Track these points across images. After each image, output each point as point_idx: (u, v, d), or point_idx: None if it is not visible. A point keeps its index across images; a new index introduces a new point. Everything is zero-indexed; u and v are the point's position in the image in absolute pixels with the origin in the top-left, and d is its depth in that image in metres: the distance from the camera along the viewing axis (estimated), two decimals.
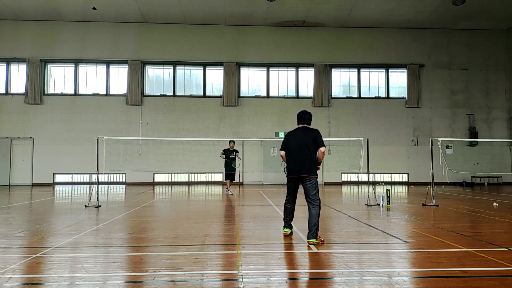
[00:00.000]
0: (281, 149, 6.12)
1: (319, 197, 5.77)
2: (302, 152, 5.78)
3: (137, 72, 20.60)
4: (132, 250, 5.30)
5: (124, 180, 20.56)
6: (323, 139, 6.00)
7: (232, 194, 14.20)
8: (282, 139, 6.19)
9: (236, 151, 14.63)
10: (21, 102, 20.31)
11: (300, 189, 5.98)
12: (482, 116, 21.65)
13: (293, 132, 6.06)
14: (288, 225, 6.12)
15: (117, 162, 17.54)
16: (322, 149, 5.81)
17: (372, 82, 21.83)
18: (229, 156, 14.46)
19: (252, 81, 21.56)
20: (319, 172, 5.96)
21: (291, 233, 6.12)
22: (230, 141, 14.73)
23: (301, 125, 6.08)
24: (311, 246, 5.36)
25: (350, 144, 17.54)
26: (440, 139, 11.75)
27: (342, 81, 21.89)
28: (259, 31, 21.22)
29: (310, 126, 6.11)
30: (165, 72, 21.50)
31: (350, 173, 20.69)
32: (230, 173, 14.42)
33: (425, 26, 21.26)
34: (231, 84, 20.80)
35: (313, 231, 5.53)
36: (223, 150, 14.64)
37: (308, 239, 5.55)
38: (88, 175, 20.20)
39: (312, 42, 21.36)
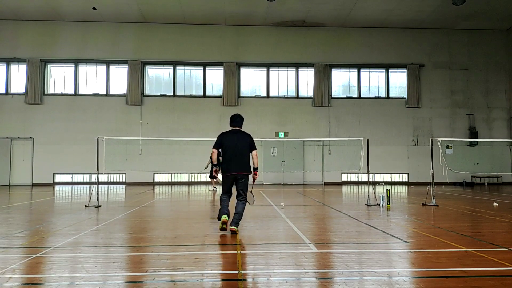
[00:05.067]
0: (214, 147, 6.49)
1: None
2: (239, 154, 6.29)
3: (137, 72, 20.59)
4: (132, 250, 5.30)
5: (124, 180, 20.56)
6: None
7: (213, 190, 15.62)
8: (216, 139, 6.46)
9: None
10: (21, 102, 20.31)
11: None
12: (482, 116, 21.65)
13: (227, 133, 6.44)
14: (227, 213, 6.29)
15: (117, 162, 17.54)
16: (254, 152, 6.39)
17: (372, 82, 21.83)
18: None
19: (252, 81, 21.56)
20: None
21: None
22: None
23: (233, 128, 6.49)
24: (311, 245, 5.36)
25: (350, 144, 17.53)
26: (440, 139, 11.75)
27: (342, 81, 21.89)
28: (259, 31, 21.22)
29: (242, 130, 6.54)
30: (165, 72, 21.50)
31: (350, 173, 20.67)
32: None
33: (425, 26, 21.26)
34: (231, 84, 20.79)
35: (236, 220, 6.14)
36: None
37: (230, 226, 6.12)
38: (88, 175, 20.20)
39: (312, 42, 21.36)
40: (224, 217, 6.18)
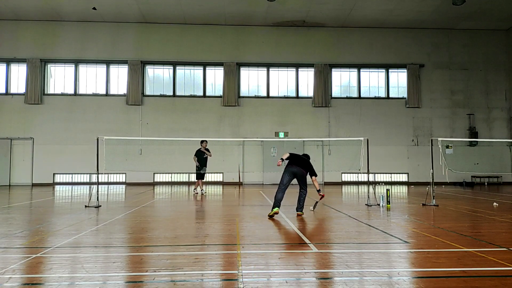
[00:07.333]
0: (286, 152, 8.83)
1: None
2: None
3: (137, 72, 20.59)
4: (132, 250, 5.30)
5: (124, 180, 20.56)
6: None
7: (197, 194, 14.36)
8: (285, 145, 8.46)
9: (208, 150, 14.54)
10: (21, 102, 20.31)
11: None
12: (482, 116, 21.65)
13: (296, 154, 8.87)
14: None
15: (117, 162, 17.54)
16: (313, 177, 8.73)
17: (372, 82, 21.83)
18: (203, 156, 14.48)
19: (252, 81, 21.56)
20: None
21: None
22: (202, 141, 14.62)
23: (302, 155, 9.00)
24: (311, 245, 5.37)
25: (350, 144, 17.51)
26: (440, 139, 11.75)
27: (342, 81, 21.88)
28: (259, 31, 21.21)
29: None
30: (165, 72, 21.50)
31: (350, 173, 20.68)
32: (201, 173, 14.50)
33: (425, 26, 21.25)
34: (231, 84, 20.79)
35: (299, 207, 8.60)
36: (196, 152, 14.57)
37: (297, 211, 8.53)
38: (88, 175, 20.20)
39: (312, 42, 21.35)
40: (276, 209, 8.04)
